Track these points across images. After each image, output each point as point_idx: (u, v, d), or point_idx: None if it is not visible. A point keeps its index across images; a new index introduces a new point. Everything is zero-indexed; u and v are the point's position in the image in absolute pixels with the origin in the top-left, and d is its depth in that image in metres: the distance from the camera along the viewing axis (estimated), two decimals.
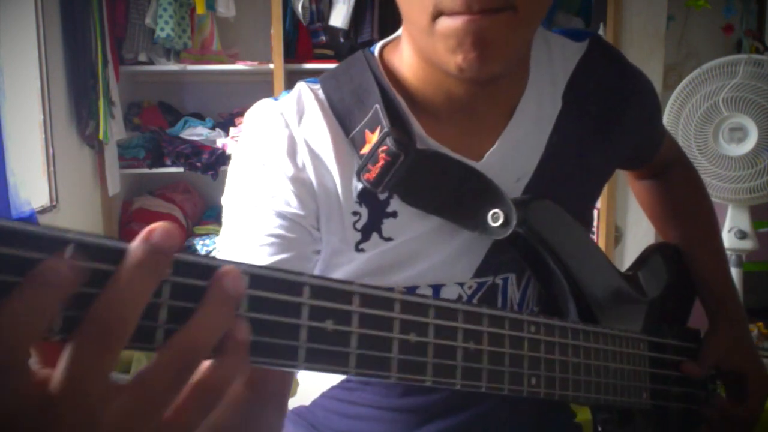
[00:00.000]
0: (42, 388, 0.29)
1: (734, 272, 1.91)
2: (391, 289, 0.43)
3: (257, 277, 0.37)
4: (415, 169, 0.62)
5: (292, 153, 0.63)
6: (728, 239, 1.95)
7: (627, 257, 2.71)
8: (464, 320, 0.47)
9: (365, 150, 0.62)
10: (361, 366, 0.41)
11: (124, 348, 0.31)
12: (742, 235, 1.95)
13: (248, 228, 0.62)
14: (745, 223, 1.95)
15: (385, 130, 0.61)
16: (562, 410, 0.81)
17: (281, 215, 0.62)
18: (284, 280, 0.38)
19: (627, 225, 2.75)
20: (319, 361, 0.39)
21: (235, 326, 0.35)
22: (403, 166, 0.61)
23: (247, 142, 0.66)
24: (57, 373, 0.29)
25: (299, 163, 0.63)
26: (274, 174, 0.63)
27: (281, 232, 0.61)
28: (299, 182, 0.63)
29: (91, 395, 0.29)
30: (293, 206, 0.62)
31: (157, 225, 0.32)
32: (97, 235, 0.32)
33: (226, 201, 0.66)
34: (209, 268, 0.34)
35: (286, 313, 0.37)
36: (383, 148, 0.61)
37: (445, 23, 0.53)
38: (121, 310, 0.30)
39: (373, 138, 0.62)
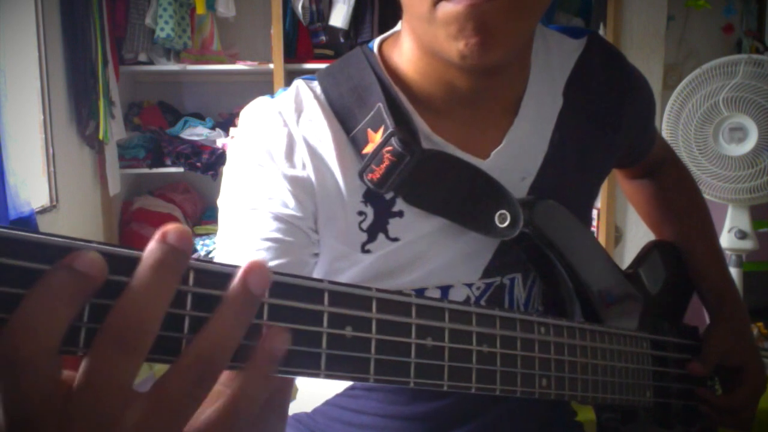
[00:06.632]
0: (62, 393, 0.29)
1: (734, 272, 1.91)
2: (406, 294, 0.42)
3: (279, 284, 0.36)
4: (421, 169, 0.60)
5: (290, 152, 0.62)
6: (728, 239, 1.95)
7: (627, 257, 2.71)
8: (478, 323, 0.47)
9: (368, 150, 0.60)
10: (380, 372, 0.40)
11: (148, 360, 0.30)
12: (742, 235, 1.95)
13: (245, 231, 0.61)
14: (745, 223, 1.95)
15: (390, 129, 0.60)
16: (563, 410, 0.81)
17: (278, 218, 0.60)
18: (305, 287, 0.37)
19: (627, 225, 2.75)
20: (340, 369, 0.39)
21: (270, 335, 0.34)
22: (408, 167, 0.60)
23: (243, 141, 0.64)
24: (77, 379, 0.29)
25: (298, 162, 0.62)
26: (272, 174, 0.61)
27: (278, 235, 0.60)
28: (297, 182, 0.61)
29: (110, 401, 0.28)
30: (291, 207, 0.61)
31: (171, 226, 0.30)
32: (111, 245, 0.30)
33: (222, 202, 0.64)
34: (230, 276, 0.33)
35: (306, 321, 0.37)
36: (388, 148, 0.59)
37: (446, 9, 0.53)
38: (140, 314, 0.29)
39: (377, 137, 0.60)
